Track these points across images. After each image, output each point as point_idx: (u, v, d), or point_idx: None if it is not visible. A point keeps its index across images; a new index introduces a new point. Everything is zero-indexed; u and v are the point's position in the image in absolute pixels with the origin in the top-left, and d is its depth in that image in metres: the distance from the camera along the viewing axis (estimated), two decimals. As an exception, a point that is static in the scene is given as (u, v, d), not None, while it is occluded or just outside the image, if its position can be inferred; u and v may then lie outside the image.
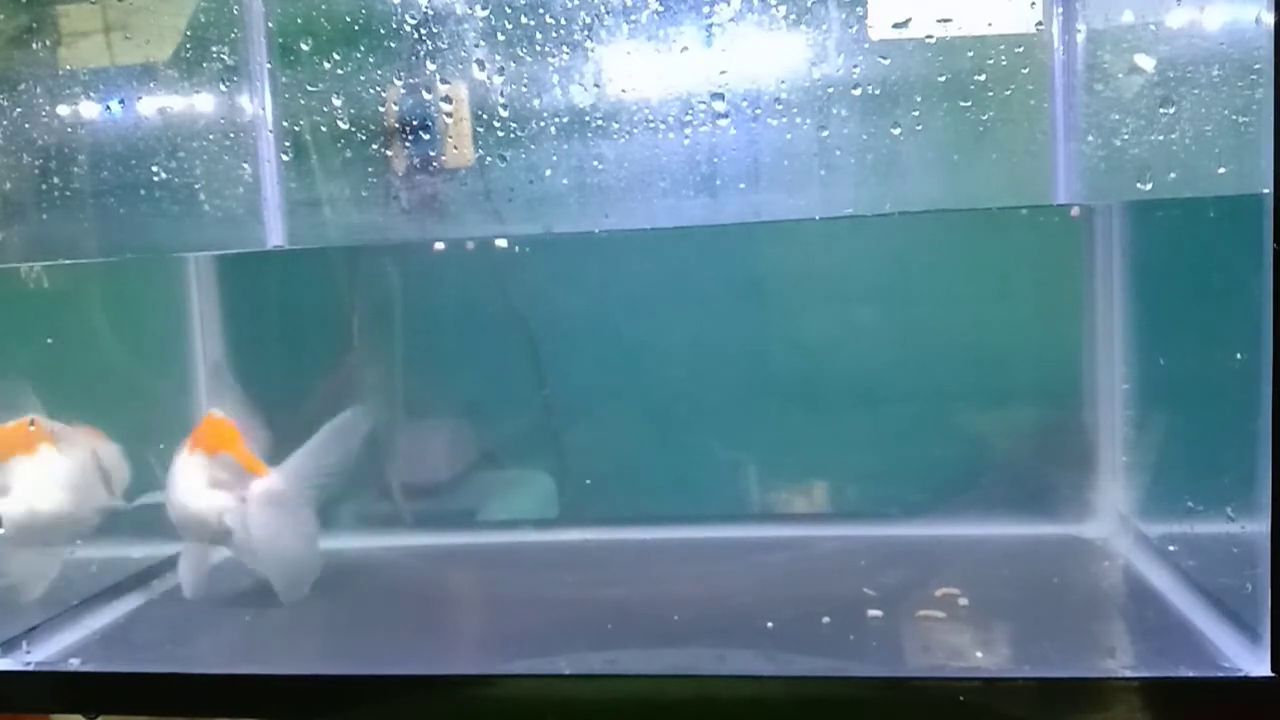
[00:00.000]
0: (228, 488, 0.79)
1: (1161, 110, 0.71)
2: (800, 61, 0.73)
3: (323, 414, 0.91)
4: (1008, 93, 0.71)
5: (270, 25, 0.81)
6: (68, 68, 0.81)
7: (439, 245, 0.95)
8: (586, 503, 1.03)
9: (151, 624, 0.84)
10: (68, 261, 0.89)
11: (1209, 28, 0.67)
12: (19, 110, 0.81)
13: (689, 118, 0.73)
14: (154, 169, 0.81)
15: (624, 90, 0.74)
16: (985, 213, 0.85)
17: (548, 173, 0.74)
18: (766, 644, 0.72)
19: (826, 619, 0.75)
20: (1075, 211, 0.90)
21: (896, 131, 0.72)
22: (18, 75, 0.81)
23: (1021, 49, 0.71)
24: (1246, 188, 0.60)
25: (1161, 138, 0.71)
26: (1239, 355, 0.62)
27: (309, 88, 0.77)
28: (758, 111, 0.73)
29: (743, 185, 0.75)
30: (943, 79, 0.71)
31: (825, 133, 0.73)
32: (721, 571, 0.86)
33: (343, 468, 0.82)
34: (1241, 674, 0.63)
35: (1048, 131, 0.78)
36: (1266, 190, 0.58)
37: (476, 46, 0.73)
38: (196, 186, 0.82)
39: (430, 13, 0.73)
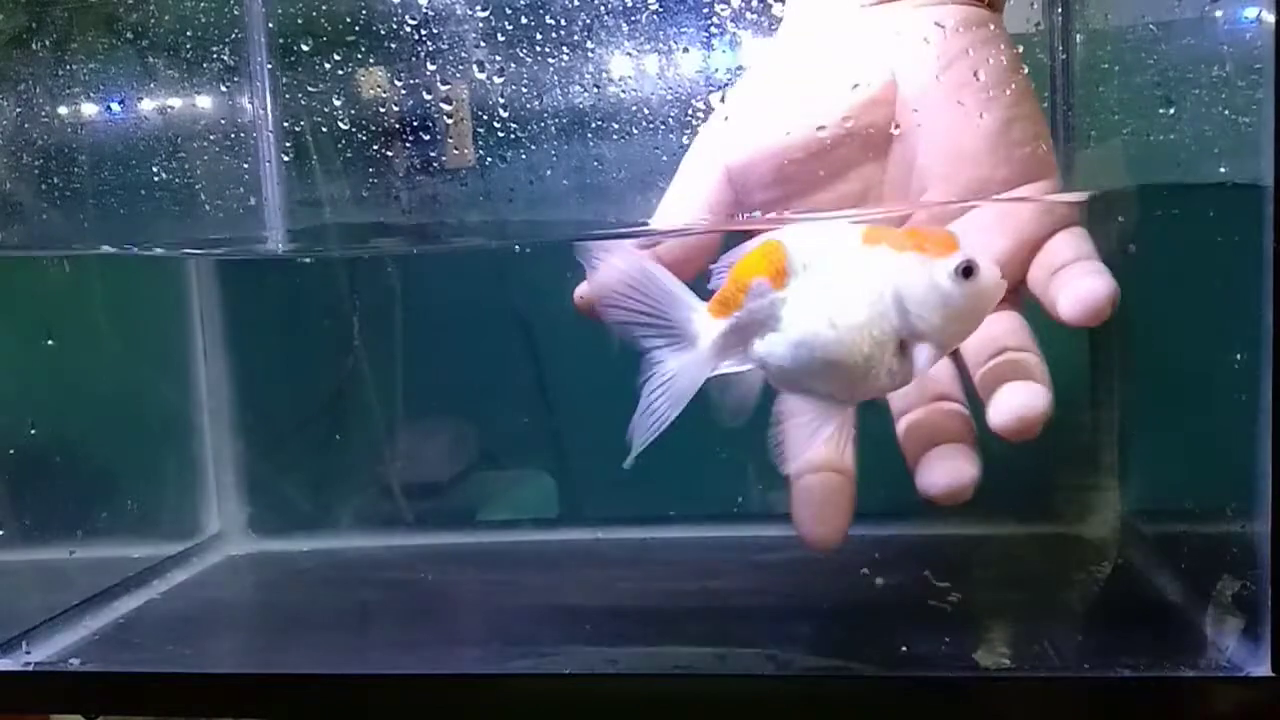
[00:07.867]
0: None
1: (1161, 111, 0.71)
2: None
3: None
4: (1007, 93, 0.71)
5: (270, 25, 0.81)
6: (67, 68, 0.81)
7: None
8: (587, 502, 1.03)
9: (151, 624, 0.84)
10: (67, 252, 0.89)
11: (1209, 27, 0.67)
12: (19, 110, 0.81)
13: (689, 118, 0.73)
14: (154, 169, 0.81)
15: (624, 90, 0.74)
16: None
17: (548, 172, 0.73)
18: (767, 644, 0.72)
19: (827, 618, 0.75)
20: None
21: (896, 132, 0.71)
22: (17, 75, 0.81)
23: (1021, 49, 0.71)
24: (1245, 187, 0.60)
25: (1162, 137, 0.71)
26: (1239, 355, 0.62)
27: (309, 88, 0.77)
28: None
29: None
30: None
31: (823, 132, 0.73)
32: (721, 571, 0.86)
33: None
34: (1242, 674, 0.63)
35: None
36: (1266, 188, 0.58)
37: (477, 47, 0.73)
38: (197, 187, 0.82)
39: (430, 13, 0.73)
